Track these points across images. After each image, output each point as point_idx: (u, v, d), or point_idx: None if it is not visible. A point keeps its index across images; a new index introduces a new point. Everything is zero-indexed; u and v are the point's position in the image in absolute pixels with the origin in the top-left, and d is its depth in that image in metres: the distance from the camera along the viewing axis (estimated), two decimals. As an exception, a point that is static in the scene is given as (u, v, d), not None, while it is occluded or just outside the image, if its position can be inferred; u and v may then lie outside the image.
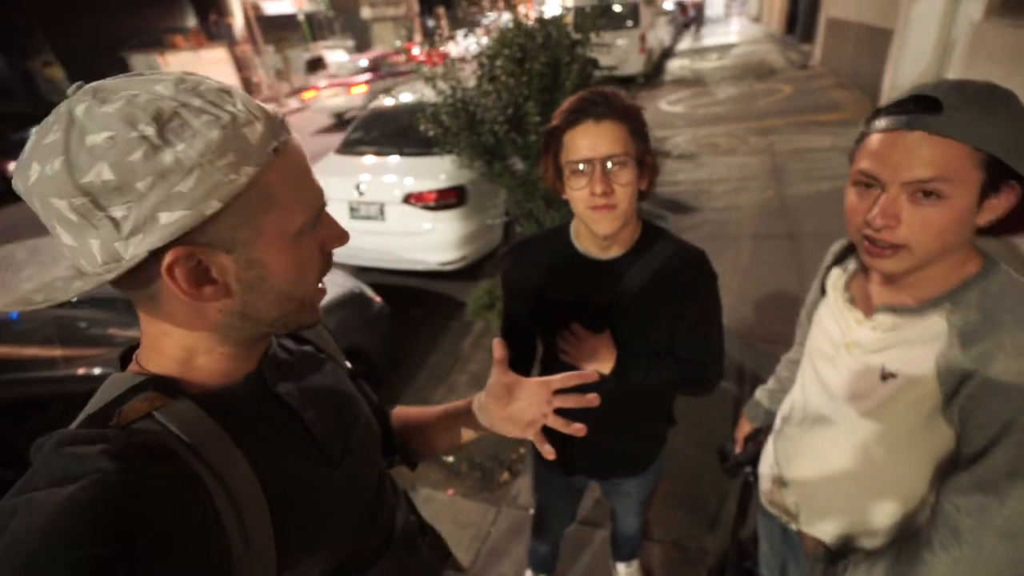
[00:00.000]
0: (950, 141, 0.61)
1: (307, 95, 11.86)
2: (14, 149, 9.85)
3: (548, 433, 1.24)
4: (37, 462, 0.41)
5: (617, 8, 10.10)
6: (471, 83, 2.74)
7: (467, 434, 0.82)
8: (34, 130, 0.41)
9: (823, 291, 0.93)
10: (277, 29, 19.69)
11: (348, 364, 0.75)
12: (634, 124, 0.87)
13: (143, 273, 0.43)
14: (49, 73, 13.42)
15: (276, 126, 0.46)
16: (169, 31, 16.71)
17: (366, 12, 24.25)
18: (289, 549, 0.51)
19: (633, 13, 10.29)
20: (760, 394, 1.21)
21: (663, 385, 1.05)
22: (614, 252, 0.99)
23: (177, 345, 0.49)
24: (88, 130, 0.38)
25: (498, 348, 0.69)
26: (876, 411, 0.77)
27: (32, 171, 0.39)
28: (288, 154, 0.46)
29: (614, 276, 0.99)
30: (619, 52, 8.89)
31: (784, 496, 0.97)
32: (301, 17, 21.01)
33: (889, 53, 5.88)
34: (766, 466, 1.05)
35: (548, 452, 0.70)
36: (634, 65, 9.73)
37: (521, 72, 2.49)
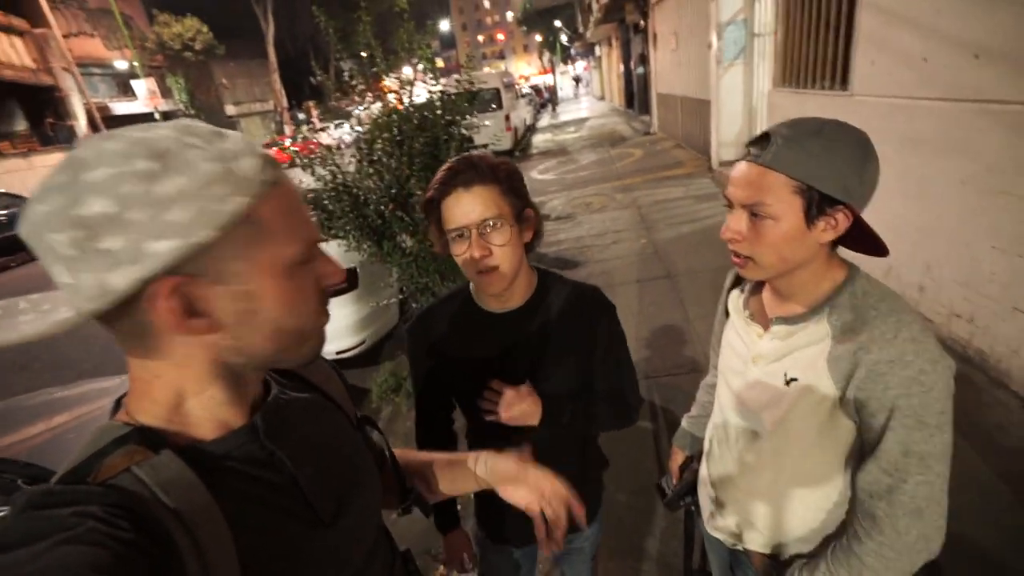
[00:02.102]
0: (768, 171, 0.73)
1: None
2: None
3: (488, 509, 1.16)
4: (10, 519, 0.39)
5: (481, 94, 11.04)
6: (351, 167, 2.75)
7: (468, 485, 0.82)
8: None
9: (727, 313, 1.02)
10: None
11: (356, 412, 0.73)
12: (505, 183, 0.90)
13: (134, 307, 0.42)
14: None
15: (267, 161, 0.47)
16: (-7, 138, 14.84)
17: (231, 109, 23.78)
18: None
19: (496, 98, 11.29)
20: (686, 422, 1.26)
21: (591, 424, 1.05)
22: (515, 303, 1.01)
23: (168, 388, 0.48)
24: (90, 167, 0.40)
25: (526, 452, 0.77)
26: (787, 416, 0.84)
27: (34, 211, 0.40)
28: (281, 188, 0.47)
29: (520, 327, 1.01)
30: (488, 131, 9.61)
31: (725, 517, 1.00)
32: (157, 116, 19.95)
33: (711, 118, 7.03)
34: (704, 491, 1.08)
35: (539, 527, 0.74)
36: (504, 142, 10.58)
37: (401, 153, 2.56)
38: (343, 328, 3.36)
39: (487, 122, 10.82)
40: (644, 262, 4.68)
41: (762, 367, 0.87)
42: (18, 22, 14.88)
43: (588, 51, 27.80)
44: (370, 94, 2.87)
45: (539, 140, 14.17)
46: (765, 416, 0.88)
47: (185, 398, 0.49)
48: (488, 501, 1.19)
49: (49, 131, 16.12)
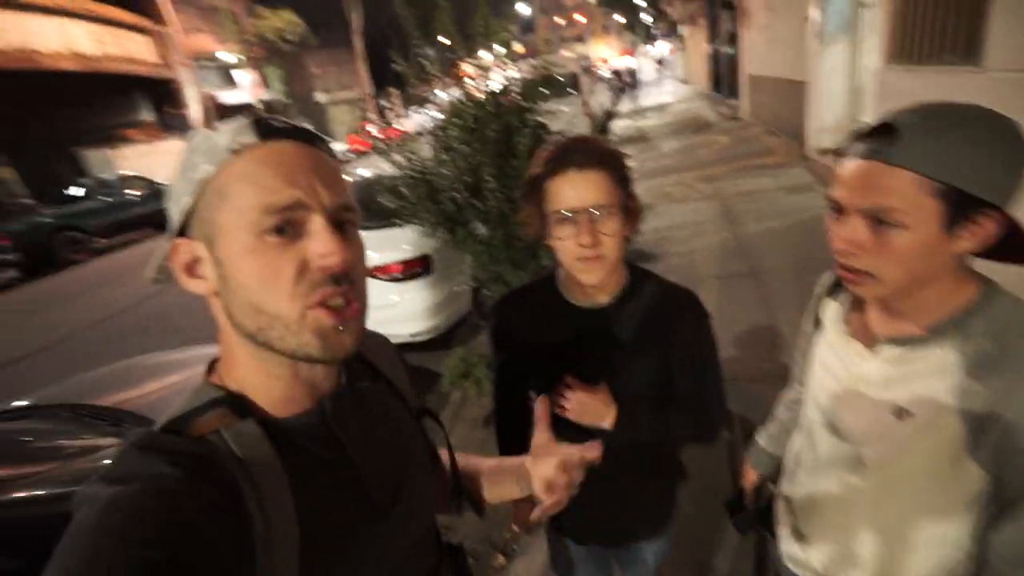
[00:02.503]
0: (901, 170, 0.61)
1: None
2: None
3: (569, 504, 1.14)
4: (121, 454, 0.45)
5: (559, 79, 10.86)
6: (426, 154, 2.79)
7: (512, 492, 0.79)
8: None
9: (817, 324, 0.91)
10: (234, 117, 20.08)
11: (416, 403, 0.72)
12: (617, 171, 0.85)
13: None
14: (1, 174, 13.09)
15: (244, 129, 0.47)
16: (125, 125, 16.75)
17: (321, 97, 25.19)
18: None
19: (573, 82, 11.08)
20: (762, 439, 1.16)
21: (668, 435, 1.00)
22: (603, 299, 0.96)
23: (235, 359, 0.52)
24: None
25: (540, 405, 0.70)
26: (896, 453, 0.73)
27: None
28: (252, 154, 0.47)
29: (605, 324, 0.96)
30: (565, 118, 9.45)
31: (807, 554, 0.90)
32: (259, 105, 21.57)
33: (807, 101, 6.43)
34: (783, 520, 0.98)
35: (535, 517, 0.68)
36: (580, 128, 10.34)
37: (474, 140, 2.56)
38: (418, 312, 3.46)
39: (564, 108, 10.71)
40: (726, 257, 4.40)
41: (865, 393, 0.75)
42: (145, 22, 16.59)
43: (671, 31, 26.43)
44: (449, 80, 2.88)
45: (618, 126, 13.74)
46: (868, 450, 0.76)
47: (245, 376, 0.52)
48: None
49: (168, 119, 17.95)
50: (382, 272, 3.40)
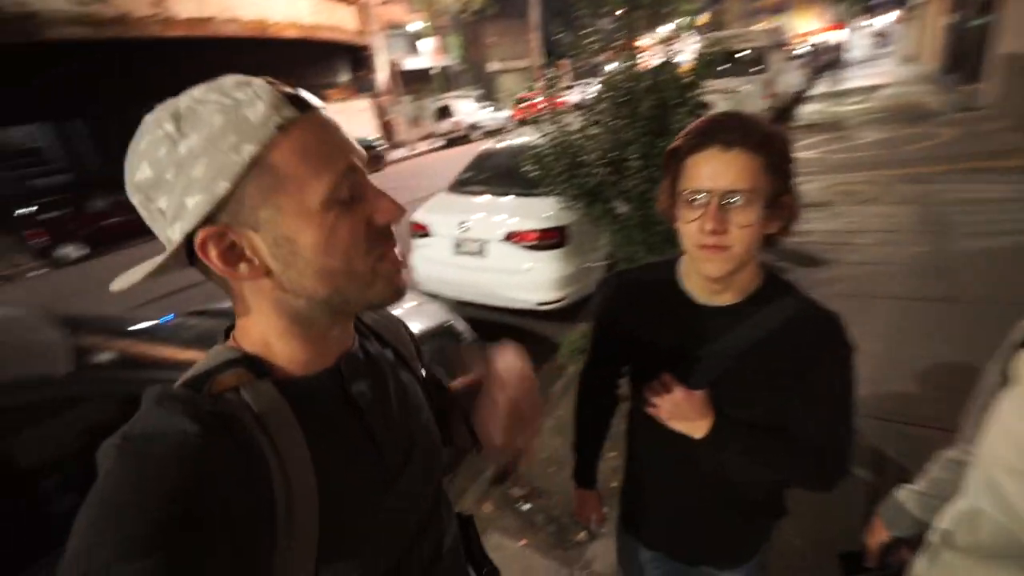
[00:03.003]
0: None
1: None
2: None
3: (629, 493, 1.10)
4: (142, 408, 0.46)
5: (743, 54, 9.70)
6: (575, 126, 2.74)
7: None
8: None
9: (1007, 380, 0.71)
10: (414, 82, 22.00)
11: (423, 372, 0.75)
12: (772, 157, 0.73)
13: (197, 258, 0.47)
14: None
15: (279, 103, 0.45)
16: (326, 86, 19.46)
17: (494, 65, 26.20)
18: (329, 551, 0.51)
19: (760, 59, 9.83)
20: (906, 496, 0.96)
21: (768, 470, 0.88)
22: (726, 299, 0.85)
23: (255, 328, 0.52)
24: (138, 137, 0.46)
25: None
26: None
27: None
28: (298, 129, 0.46)
29: (722, 327, 0.86)
30: (740, 98, 8.45)
31: None
32: (436, 71, 23.26)
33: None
34: None
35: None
36: (753, 110, 9.18)
37: (626, 114, 2.43)
38: (547, 281, 3.50)
39: (742, 87, 9.54)
40: (917, 275, 3.66)
41: None
42: (350, -6, 18.80)
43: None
44: (623, 52, 2.75)
45: (807, 110, 12.03)
46: None
47: (269, 338, 0.52)
48: (630, 486, 1.13)
49: (361, 82, 20.33)
50: (518, 238, 3.49)
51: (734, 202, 0.73)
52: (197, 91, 0.46)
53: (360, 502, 0.54)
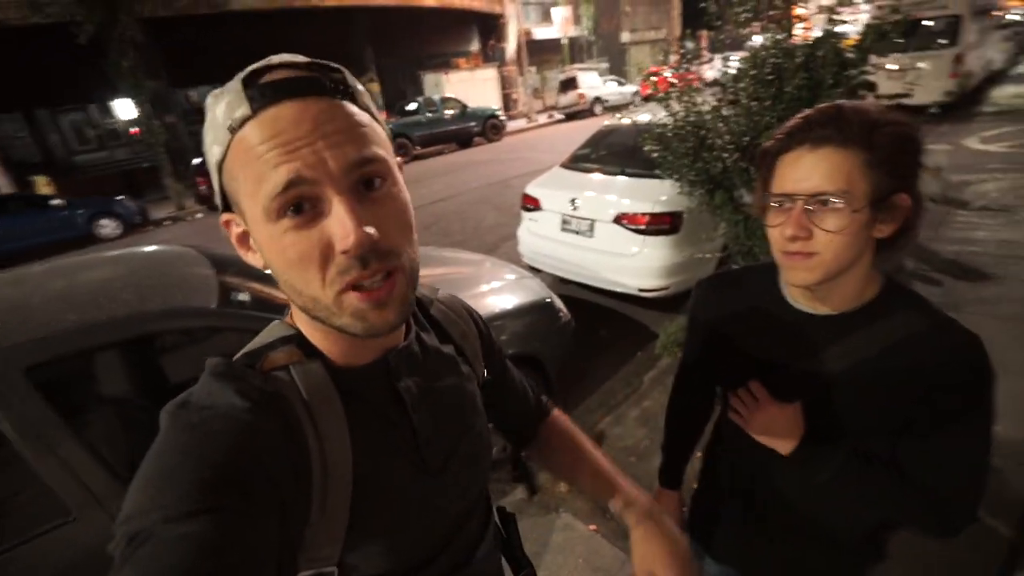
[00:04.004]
0: None
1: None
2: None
3: (701, 502, 1.05)
4: (202, 378, 0.49)
5: (929, 23, 8.16)
6: (708, 106, 2.54)
7: (606, 500, 0.75)
8: None
9: None
10: (541, 52, 21.81)
11: (486, 374, 0.74)
12: (879, 152, 0.65)
13: None
14: (371, 88, 17.39)
15: (237, 100, 0.42)
16: (456, 55, 20.05)
17: (626, 36, 25.04)
18: (356, 537, 0.52)
19: (950, 29, 8.22)
20: None
21: (867, 504, 0.78)
22: (831, 308, 0.78)
23: (299, 313, 0.53)
24: None
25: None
26: None
27: None
28: (248, 128, 0.42)
29: (826, 338, 0.78)
30: (916, 77, 7.12)
31: None
32: (565, 41, 22.79)
33: None
34: None
35: None
36: (932, 93, 7.61)
37: (768, 95, 2.19)
38: (653, 268, 3.37)
39: (921, 64, 8.01)
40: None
41: None
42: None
43: None
44: (778, 21, 2.47)
45: (1002, 94, 9.92)
46: None
47: (302, 325, 0.53)
48: (703, 493, 1.09)
49: (489, 51, 20.56)
50: (628, 220, 3.38)
51: (820, 205, 0.67)
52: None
53: (393, 495, 0.55)
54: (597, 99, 17.82)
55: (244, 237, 0.49)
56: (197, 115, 16.15)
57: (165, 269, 1.90)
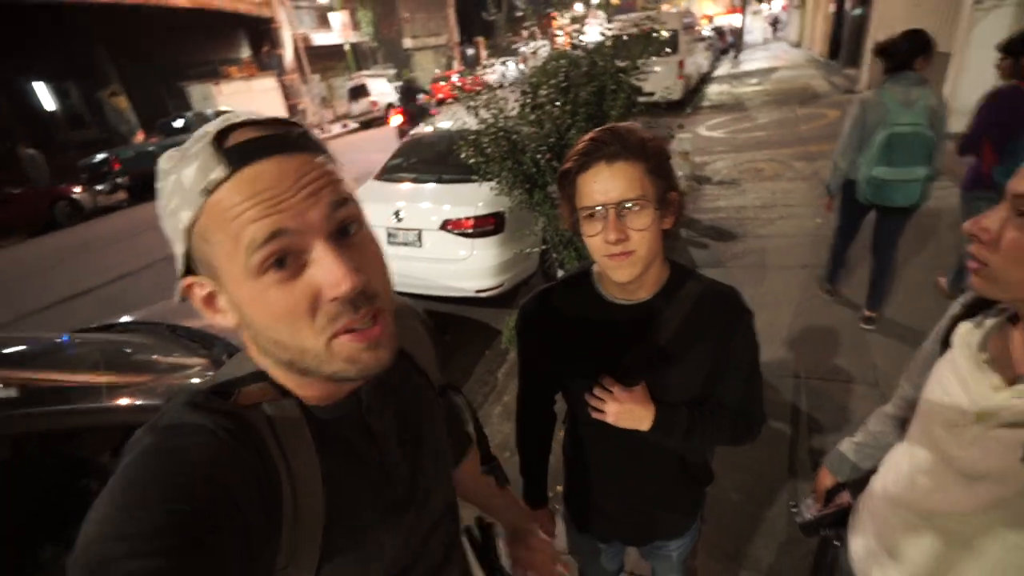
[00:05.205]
0: None
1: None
2: (82, 173, 10.64)
3: (580, 500, 1.16)
4: (169, 407, 0.46)
5: (657, 37, 10.11)
6: (514, 111, 2.73)
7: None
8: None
9: (944, 345, 0.82)
10: (323, 59, 20.66)
11: (440, 378, 0.74)
12: (652, 161, 0.80)
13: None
14: (115, 103, 14.38)
15: (211, 162, 0.42)
16: (225, 62, 17.75)
17: (408, 42, 25.24)
18: (327, 571, 0.51)
19: (672, 41, 10.29)
20: (847, 447, 1.10)
21: (706, 440, 0.96)
22: (642, 295, 0.91)
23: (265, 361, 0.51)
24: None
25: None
26: (1012, 499, 0.66)
27: None
28: (224, 190, 0.42)
29: (643, 322, 0.91)
30: (658, 79, 8.84)
31: (886, 572, 0.85)
32: (347, 47, 21.99)
33: (947, 76, 5.63)
34: (860, 532, 0.93)
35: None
36: (674, 92, 9.70)
37: (565, 101, 2.46)
38: (485, 268, 3.49)
39: (657, 68, 9.95)
40: (816, 245, 4.06)
41: (988, 428, 0.68)
42: (251, -42, 17.13)
43: (790, -14, 23.72)
44: (539, 32, 2.77)
45: (713, 91, 12.79)
46: (980, 488, 0.69)
47: (271, 370, 0.51)
48: (576, 491, 1.17)
49: (264, 58, 18.77)
50: (454, 226, 3.44)
51: (629, 209, 0.79)
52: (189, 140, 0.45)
53: (365, 531, 0.54)
54: (390, 105, 17.69)
55: (210, 299, 0.47)
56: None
57: None
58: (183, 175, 0.43)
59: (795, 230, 4.39)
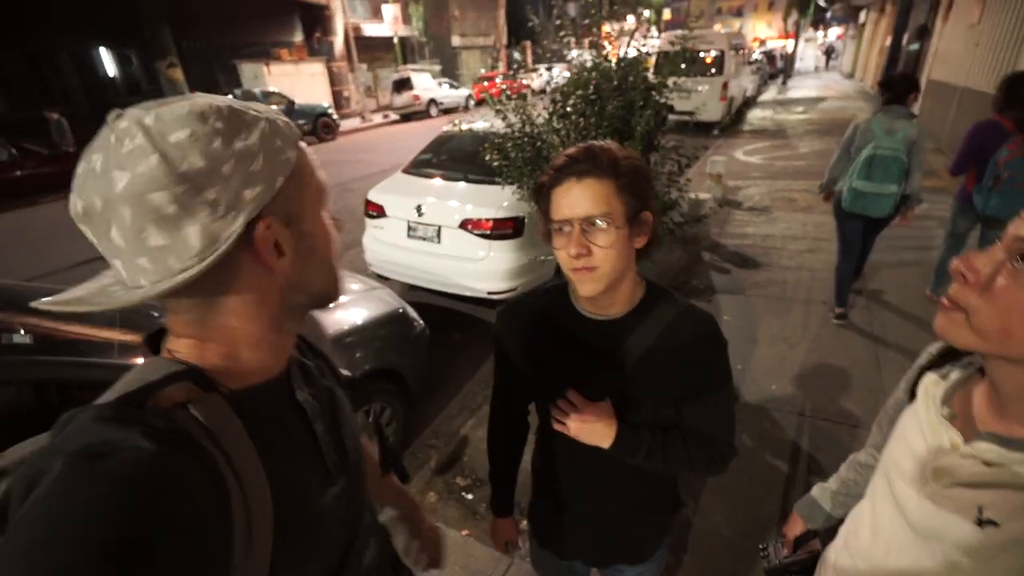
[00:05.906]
0: None
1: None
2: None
3: (543, 514, 1.16)
4: (70, 429, 0.41)
5: (703, 55, 10.02)
6: (541, 118, 2.74)
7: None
8: (92, 155, 0.44)
9: (911, 396, 0.80)
10: (372, 49, 21.06)
11: (346, 374, 0.78)
12: (624, 179, 0.80)
13: (227, 256, 0.46)
14: (171, 74, 14.92)
15: (289, 122, 0.53)
16: (277, 45, 18.26)
17: (456, 40, 25.51)
18: (280, 561, 0.51)
19: (718, 61, 10.17)
20: (819, 493, 1.07)
21: (669, 464, 0.95)
22: (613, 312, 0.91)
23: (226, 338, 0.51)
24: (169, 130, 0.43)
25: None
26: (969, 561, 0.63)
27: (117, 178, 0.42)
28: (306, 148, 0.54)
29: (614, 338, 0.91)
30: (698, 98, 8.76)
31: None
32: (396, 40, 22.36)
33: (1000, 122, 5.41)
34: None
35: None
36: (712, 112, 9.57)
37: (592, 112, 2.46)
38: (500, 271, 3.51)
39: (700, 87, 9.88)
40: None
41: (945, 487, 0.65)
42: (313, -55, 17.59)
43: (849, 15, 23.16)
44: (586, 41, 2.77)
45: (755, 116, 12.57)
46: (935, 548, 0.67)
47: (240, 348, 0.52)
48: (541, 504, 1.17)
49: (315, 44, 19.24)
50: (473, 226, 3.47)
51: (595, 225, 0.80)
52: (224, 99, 0.49)
53: (310, 511, 0.56)
54: (432, 101, 17.89)
55: (275, 244, 0.50)
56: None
57: None
58: (278, 123, 0.51)
59: (822, 264, 4.28)
